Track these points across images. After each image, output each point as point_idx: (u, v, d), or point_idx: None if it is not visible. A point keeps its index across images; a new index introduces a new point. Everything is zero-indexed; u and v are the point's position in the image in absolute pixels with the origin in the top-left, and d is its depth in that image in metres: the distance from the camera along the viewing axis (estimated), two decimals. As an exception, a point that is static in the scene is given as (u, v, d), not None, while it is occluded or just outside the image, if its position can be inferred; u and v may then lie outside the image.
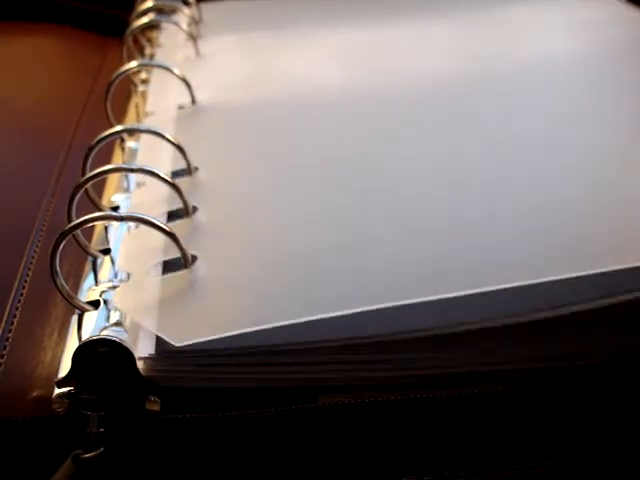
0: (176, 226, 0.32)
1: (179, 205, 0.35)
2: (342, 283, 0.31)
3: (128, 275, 0.32)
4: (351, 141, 0.43)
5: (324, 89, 0.50)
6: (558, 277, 0.29)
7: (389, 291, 0.29)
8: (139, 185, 0.38)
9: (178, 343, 0.28)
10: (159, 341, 0.28)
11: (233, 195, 0.38)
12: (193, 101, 0.47)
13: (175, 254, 0.32)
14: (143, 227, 0.32)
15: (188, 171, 0.39)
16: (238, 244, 0.34)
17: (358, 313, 0.28)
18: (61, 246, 0.30)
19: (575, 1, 0.61)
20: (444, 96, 0.47)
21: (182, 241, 0.31)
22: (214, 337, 0.28)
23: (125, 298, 0.31)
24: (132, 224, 0.35)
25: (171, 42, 0.58)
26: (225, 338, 0.28)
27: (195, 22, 0.59)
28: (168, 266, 0.32)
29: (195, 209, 0.36)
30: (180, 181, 0.36)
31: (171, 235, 0.31)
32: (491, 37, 0.56)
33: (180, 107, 0.46)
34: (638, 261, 0.30)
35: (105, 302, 0.31)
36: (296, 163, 0.41)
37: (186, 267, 0.32)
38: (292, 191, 0.38)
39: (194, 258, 0.32)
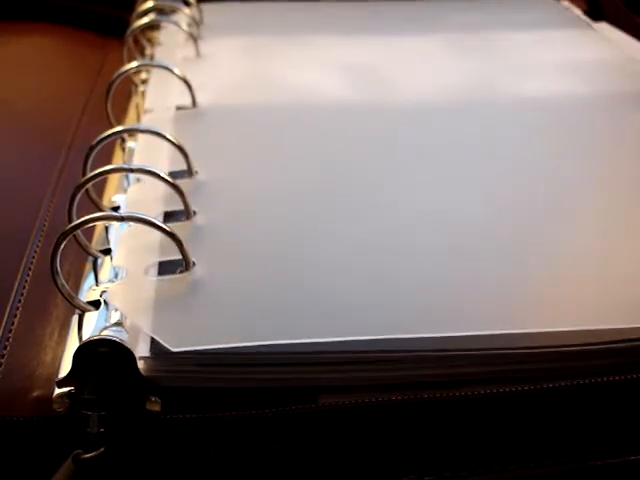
0: (176, 228, 0.32)
1: (177, 206, 0.35)
2: (343, 302, 0.31)
3: (126, 274, 0.32)
4: (349, 144, 0.43)
5: (324, 92, 0.50)
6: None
7: (388, 322, 0.30)
8: (136, 181, 0.38)
9: (175, 348, 0.28)
10: (160, 342, 0.28)
11: (233, 199, 0.38)
12: (193, 102, 0.47)
13: (172, 255, 0.32)
14: (141, 225, 0.32)
15: (188, 173, 0.39)
16: (237, 250, 0.34)
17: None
18: (62, 246, 0.30)
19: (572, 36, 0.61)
20: (435, 118, 0.47)
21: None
22: (211, 347, 0.28)
23: (121, 295, 0.31)
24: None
25: (171, 42, 0.58)
26: (223, 348, 0.28)
27: (196, 23, 0.59)
28: (166, 267, 0.32)
29: (194, 212, 0.36)
30: (180, 183, 0.36)
31: (175, 238, 0.31)
32: (489, 63, 0.55)
33: (180, 108, 0.46)
34: None
35: (105, 302, 0.31)
36: (296, 167, 0.41)
37: (187, 270, 0.32)
38: (292, 196, 0.38)
39: (193, 262, 0.32)
